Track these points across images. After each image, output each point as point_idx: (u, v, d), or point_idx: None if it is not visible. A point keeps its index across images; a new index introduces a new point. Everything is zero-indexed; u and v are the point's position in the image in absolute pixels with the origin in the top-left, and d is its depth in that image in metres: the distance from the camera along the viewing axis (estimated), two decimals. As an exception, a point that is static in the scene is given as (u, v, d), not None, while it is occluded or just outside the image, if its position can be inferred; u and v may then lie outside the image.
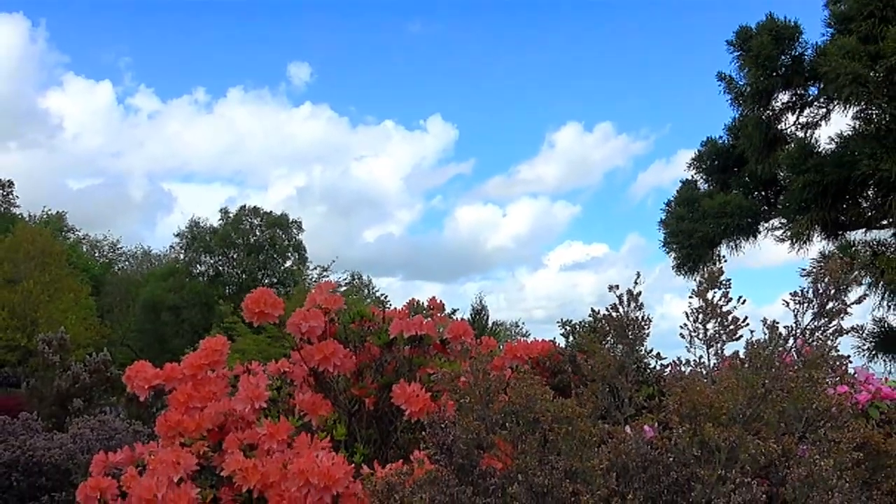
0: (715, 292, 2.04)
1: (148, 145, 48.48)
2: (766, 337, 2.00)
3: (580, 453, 1.71)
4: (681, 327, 2.10)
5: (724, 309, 2.05)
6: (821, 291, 2.03)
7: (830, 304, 2.04)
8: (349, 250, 45.94)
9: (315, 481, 2.03)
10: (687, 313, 2.07)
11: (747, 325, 2.05)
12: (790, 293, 2.07)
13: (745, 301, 2.04)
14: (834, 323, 2.05)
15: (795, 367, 1.94)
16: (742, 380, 1.84)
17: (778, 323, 2.02)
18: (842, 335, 2.07)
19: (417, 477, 1.87)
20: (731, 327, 2.05)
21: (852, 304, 2.07)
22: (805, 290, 2.05)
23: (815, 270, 2.08)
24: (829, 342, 2.01)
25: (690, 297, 2.07)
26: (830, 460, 1.62)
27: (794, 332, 2.04)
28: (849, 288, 2.03)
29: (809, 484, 1.60)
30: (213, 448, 2.41)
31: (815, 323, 2.05)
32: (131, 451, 2.58)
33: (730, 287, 2.04)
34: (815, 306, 2.06)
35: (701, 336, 2.08)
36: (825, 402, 1.87)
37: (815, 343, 2.02)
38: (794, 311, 2.05)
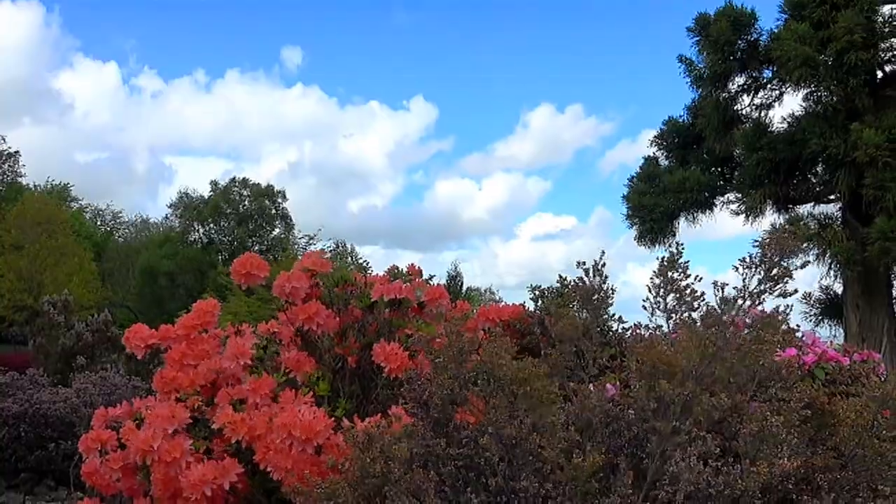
0: (674, 271, 2.05)
1: (150, 122, 48.30)
2: (718, 299, 2.01)
3: (538, 410, 1.71)
4: (643, 301, 2.10)
5: (683, 284, 2.06)
6: (767, 258, 2.03)
7: (775, 270, 2.05)
8: (335, 220, 46.06)
9: (297, 434, 2.03)
10: (649, 287, 2.07)
11: (704, 298, 2.06)
12: (739, 259, 2.08)
13: (701, 279, 2.06)
14: (778, 287, 2.06)
15: (746, 330, 1.95)
16: (695, 339, 1.85)
17: (727, 284, 2.03)
18: (785, 297, 2.08)
19: (396, 431, 1.87)
20: (689, 300, 2.06)
21: (795, 269, 2.08)
22: (753, 256, 2.06)
23: (765, 241, 2.08)
24: (779, 307, 2.02)
25: (652, 277, 2.07)
26: (780, 417, 1.63)
27: (742, 294, 2.05)
28: (793, 256, 2.04)
29: (760, 439, 1.62)
30: (206, 402, 2.39)
31: (761, 287, 2.06)
32: (130, 405, 2.56)
33: (688, 268, 2.06)
34: (762, 272, 2.07)
35: (661, 308, 2.08)
36: (772, 362, 1.89)
37: (762, 306, 2.03)
38: (742, 275, 2.06)
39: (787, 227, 8.39)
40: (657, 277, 2.08)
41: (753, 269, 2.04)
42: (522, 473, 1.65)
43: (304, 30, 50.80)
